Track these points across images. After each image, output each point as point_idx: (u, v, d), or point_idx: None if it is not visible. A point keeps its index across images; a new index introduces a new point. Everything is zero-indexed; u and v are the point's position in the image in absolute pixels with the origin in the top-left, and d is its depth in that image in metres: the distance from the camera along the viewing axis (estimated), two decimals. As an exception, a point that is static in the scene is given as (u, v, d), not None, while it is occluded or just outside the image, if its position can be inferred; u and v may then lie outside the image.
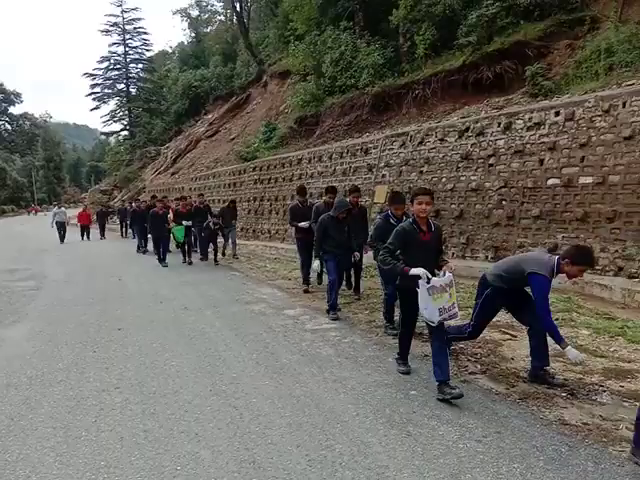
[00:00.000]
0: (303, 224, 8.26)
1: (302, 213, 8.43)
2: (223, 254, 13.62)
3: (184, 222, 12.55)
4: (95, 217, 24.63)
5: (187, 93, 40.24)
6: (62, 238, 20.85)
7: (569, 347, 3.75)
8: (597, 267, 7.72)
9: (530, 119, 9.17)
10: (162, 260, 12.47)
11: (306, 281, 8.53)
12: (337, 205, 6.74)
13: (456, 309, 3.96)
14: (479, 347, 5.07)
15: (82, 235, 22.10)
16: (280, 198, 17.13)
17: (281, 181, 17.58)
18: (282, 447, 3.18)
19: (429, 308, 3.87)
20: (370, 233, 7.03)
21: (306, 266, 8.44)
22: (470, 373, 4.41)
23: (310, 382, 4.29)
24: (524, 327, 5.03)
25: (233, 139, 28.48)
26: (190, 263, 12.45)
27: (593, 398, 3.78)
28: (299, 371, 4.57)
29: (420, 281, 3.85)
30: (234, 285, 9.37)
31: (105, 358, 5.17)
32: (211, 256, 12.78)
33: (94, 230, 23.17)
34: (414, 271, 3.88)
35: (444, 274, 3.99)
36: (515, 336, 5.34)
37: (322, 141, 17.96)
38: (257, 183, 19.11)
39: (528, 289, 4.15)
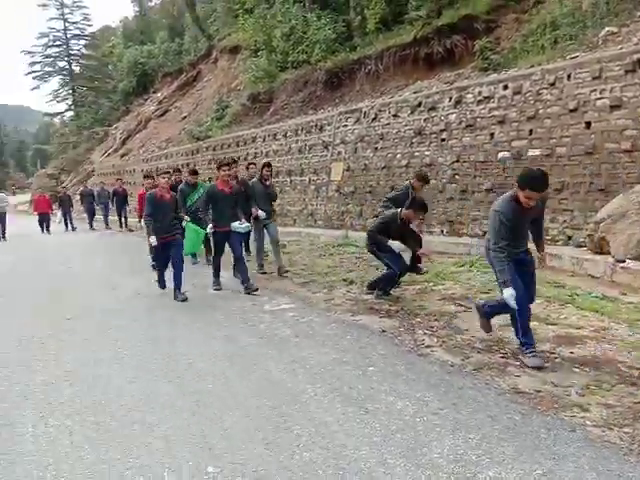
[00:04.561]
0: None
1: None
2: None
3: (237, 225, 6.88)
4: (58, 204, 20.18)
5: (134, 70, 38.48)
6: (3, 233, 16.71)
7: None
8: (547, 237, 7.95)
9: (480, 93, 9.26)
10: (178, 288, 6.70)
11: None
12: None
13: None
14: (435, 320, 5.13)
15: (42, 226, 18.66)
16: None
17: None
18: (239, 432, 3.10)
19: None
20: None
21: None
22: (427, 347, 4.45)
23: (268, 364, 4.22)
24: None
25: (184, 118, 27.64)
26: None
27: (545, 365, 3.88)
28: (257, 353, 4.50)
29: None
30: (192, 269, 9.09)
31: (54, 349, 4.94)
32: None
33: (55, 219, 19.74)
34: None
35: None
36: (469, 307, 5.42)
37: (276, 118, 17.65)
38: (212, 163, 18.65)
39: None
